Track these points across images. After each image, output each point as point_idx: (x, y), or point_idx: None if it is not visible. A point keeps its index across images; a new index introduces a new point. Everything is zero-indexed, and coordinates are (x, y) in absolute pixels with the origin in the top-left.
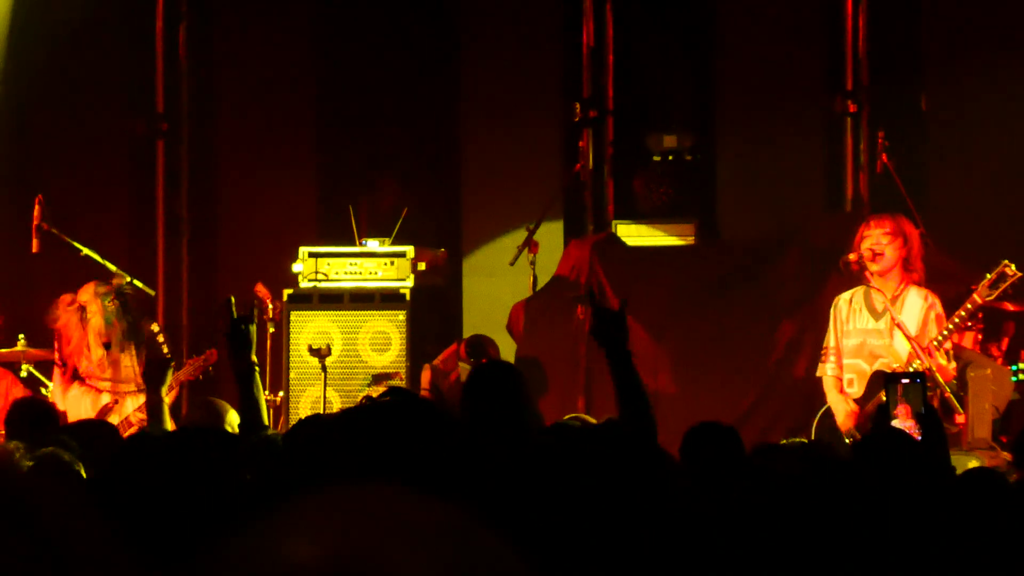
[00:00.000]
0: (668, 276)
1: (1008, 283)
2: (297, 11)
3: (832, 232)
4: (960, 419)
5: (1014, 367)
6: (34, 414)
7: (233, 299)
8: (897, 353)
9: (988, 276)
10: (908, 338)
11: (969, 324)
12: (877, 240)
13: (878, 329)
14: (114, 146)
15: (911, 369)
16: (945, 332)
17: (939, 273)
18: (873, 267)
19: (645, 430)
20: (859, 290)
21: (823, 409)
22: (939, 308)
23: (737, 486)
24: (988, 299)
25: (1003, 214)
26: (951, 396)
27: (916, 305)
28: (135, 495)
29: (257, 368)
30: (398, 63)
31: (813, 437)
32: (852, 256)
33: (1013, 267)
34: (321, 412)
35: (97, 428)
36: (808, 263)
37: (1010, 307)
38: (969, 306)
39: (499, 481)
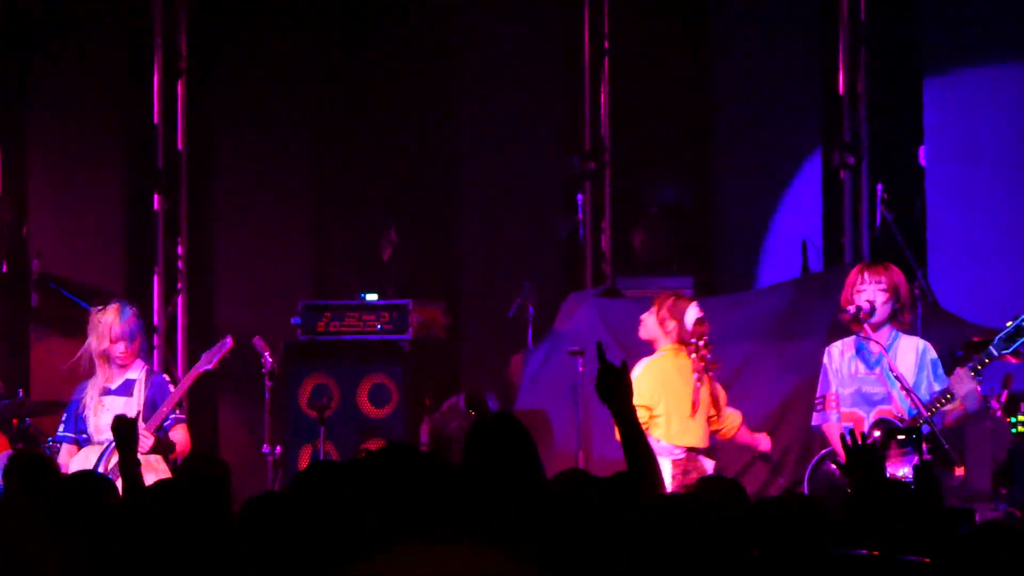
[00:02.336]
0: None
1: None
2: (296, 67)
3: (831, 285)
4: (959, 471)
5: (1013, 419)
6: (31, 467)
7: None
8: (897, 402)
9: (1006, 327)
10: (907, 390)
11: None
12: (874, 295)
13: (873, 377)
14: (111, 199)
15: (910, 423)
16: (949, 396)
17: (944, 324)
18: (869, 319)
19: (651, 484)
20: (850, 340)
21: (816, 458)
22: (932, 353)
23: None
24: (1004, 352)
25: (1005, 267)
26: (950, 449)
27: (910, 353)
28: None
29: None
30: (397, 118)
31: (806, 489)
32: (850, 308)
33: None
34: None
35: (95, 481)
36: (808, 316)
37: (1011, 359)
38: (987, 360)
39: (508, 531)
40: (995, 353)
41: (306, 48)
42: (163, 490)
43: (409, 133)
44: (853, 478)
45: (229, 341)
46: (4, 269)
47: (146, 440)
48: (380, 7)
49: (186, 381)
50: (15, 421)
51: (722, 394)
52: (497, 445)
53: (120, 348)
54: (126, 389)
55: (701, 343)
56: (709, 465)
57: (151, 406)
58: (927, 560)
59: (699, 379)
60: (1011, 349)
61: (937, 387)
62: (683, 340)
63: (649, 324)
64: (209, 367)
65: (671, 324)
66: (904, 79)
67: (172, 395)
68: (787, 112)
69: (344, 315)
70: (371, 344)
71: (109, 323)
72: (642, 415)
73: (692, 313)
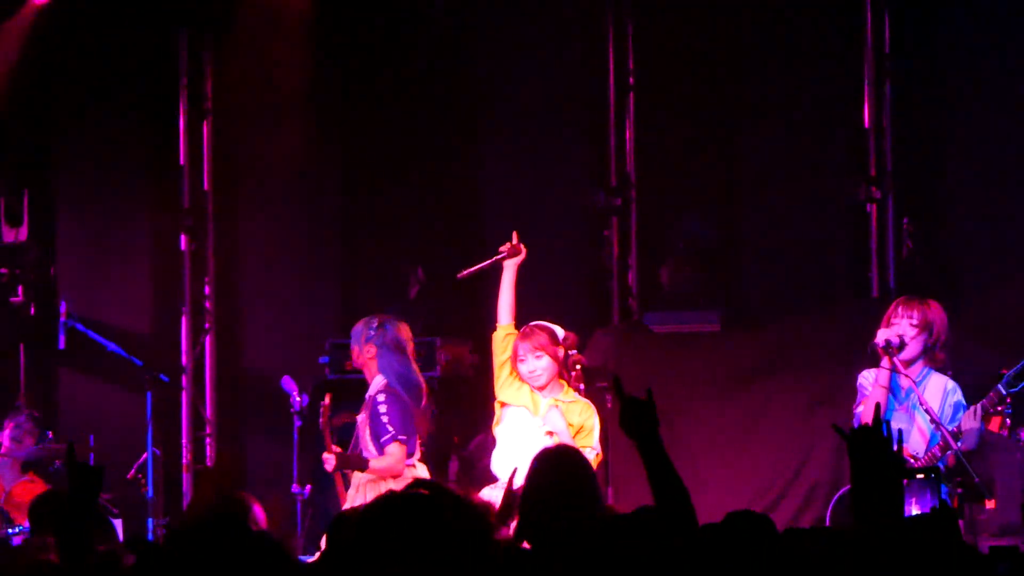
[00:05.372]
0: (695, 363)
1: None
2: (322, 108)
3: (859, 318)
4: (990, 504)
5: None
6: (59, 507)
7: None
8: (918, 438)
9: (1015, 368)
10: (935, 421)
11: (997, 408)
12: (903, 329)
13: (900, 413)
14: (138, 240)
15: (937, 453)
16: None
17: (965, 359)
18: (899, 353)
19: (684, 517)
20: (884, 372)
21: (842, 492)
22: (960, 395)
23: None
24: (1012, 391)
25: None
26: (981, 481)
27: (938, 392)
28: None
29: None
30: (424, 159)
31: (828, 520)
32: (879, 341)
33: None
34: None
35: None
36: (835, 350)
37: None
38: (995, 398)
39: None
40: (1003, 392)
41: (332, 90)
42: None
43: (436, 173)
44: (853, 460)
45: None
46: (32, 311)
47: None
48: (407, 49)
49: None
50: (47, 463)
51: None
52: (562, 475)
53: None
54: (365, 404)
55: (575, 353)
56: None
57: (371, 426)
58: None
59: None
60: (1018, 389)
61: (950, 428)
62: (565, 365)
63: (545, 367)
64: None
65: (560, 351)
66: (929, 111)
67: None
68: (812, 146)
69: None
70: None
71: None
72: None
73: (560, 330)
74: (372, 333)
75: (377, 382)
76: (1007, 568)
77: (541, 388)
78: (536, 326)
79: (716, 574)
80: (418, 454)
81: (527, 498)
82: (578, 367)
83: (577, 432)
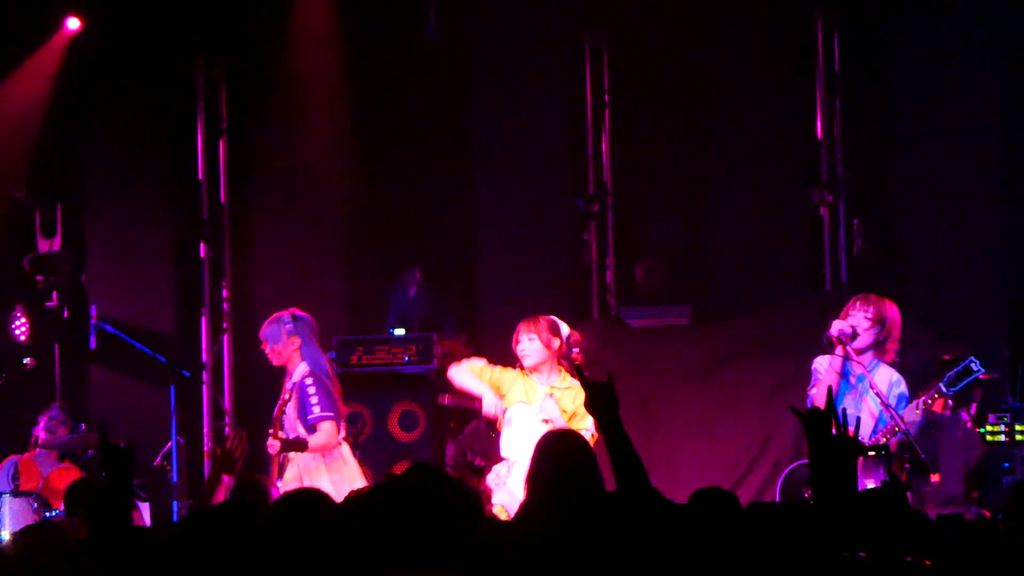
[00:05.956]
0: (668, 354)
1: (971, 378)
2: (326, 124)
3: (815, 310)
4: (935, 478)
5: (982, 429)
6: (91, 492)
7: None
8: (868, 420)
9: (955, 369)
10: (884, 404)
11: (935, 398)
12: (858, 321)
13: (850, 398)
14: (161, 248)
15: (881, 440)
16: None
17: (909, 343)
18: (851, 342)
19: (637, 485)
20: (837, 359)
21: (791, 467)
22: (904, 387)
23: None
24: (951, 389)
25: (969, 288)
26: (926, 457)
27: (884, 382)
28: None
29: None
30: (421, 169)
31: (778, 496)
32: (833, 331)
33: (976, 364)
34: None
35: None
36: (794, 340)
37: (980, 376)
38: (936, 395)
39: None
40: (944, 391)
41: (335, 107)
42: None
43: (431, 183)
44: (809, 439)
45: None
46: (65, 314)
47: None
48: (408, 72)
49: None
50: (78, 452)
51: None
52: (565, 457)
53: (266, 350)
54: (290, 388)
55: (577, 351)
56: None
57: (299, 407)
58: (928, 563)
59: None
60: (958, 388)
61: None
62: (562, 354)
63: (535, 350)
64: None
65: (556, 342)
66: (876, 123)
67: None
68: (771, 155)
69: (375, 349)
70: (400, 374)
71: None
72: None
73: (565, 327)
74: (292, 327)
75: (301, 370)
76: (953, 533)
77: (531, 370)
78: (541, 316)
79: (689, 545)
80: (343, 434)
81: (532, 479)
82: (569, 360)
83: (571, 417)
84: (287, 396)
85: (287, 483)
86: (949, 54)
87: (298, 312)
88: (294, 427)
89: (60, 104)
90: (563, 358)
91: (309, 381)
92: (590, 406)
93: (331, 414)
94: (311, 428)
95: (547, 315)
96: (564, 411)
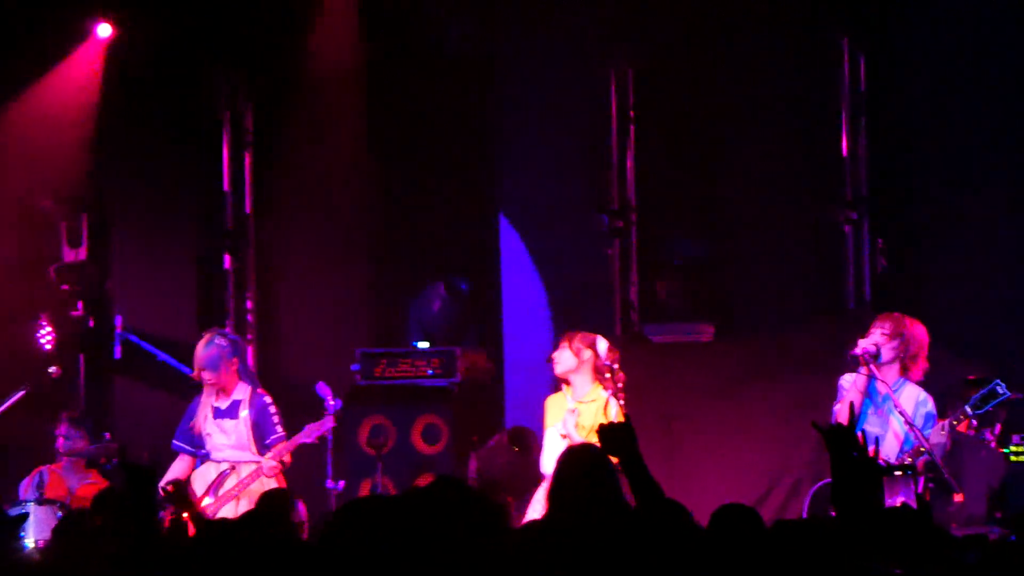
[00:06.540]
0: (690, 370)
1: (997, 401)
2: (350, 136)
3: (837, 329)
4: (958, 497)
5: (1006, 450)
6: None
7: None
8: (892, 440)
9: (981, 392)
10: (908, 424)
11: (960, 419)
12: (876, 338)
13: (875, 418)
14: (186, 259)
15: (907, 460)
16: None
17: (932, 362)
18: (875, 361)
19: (662, 515)
20: (863, 378)
21: (820, 484)
22: (931, 406)
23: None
24: (977, 412)
25: (993, 308)
26: (950, 477)
27: (911, 401)
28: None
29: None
30: (445, 185)
31: (806, 513)
32: (858, 350)
33: (1003, 387)
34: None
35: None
36: (816, 358)
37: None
38: (962, 416)
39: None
40: (969, 412)
41: (359, 119)
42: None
43: (456, 199)
44: (831, 454)
45: (330, 421)
46: (91, 324)
47: (271, 464)
48: (435, 88)
49: (289, 447)
50: (103, 460)
51: None
52: (588, 473)
53: (205, 376)
54: (232, 412)
55: (616, 367)
56: None
57: (256, 427)
58: None
59: (618, 397)
60: (983, 411)
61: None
62: (597, 368)
63: (565, 358)
64: (308, 441)
65: (587, 353)
66: (900, 142)
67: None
68: (795, 173)
69: (398, 361)
70: (423, 387)
71: (196, 353)
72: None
73: (603, 342)
74: (229, 347)
75: (243, 389)
76: (976, 555)
77: (563, 381)
78: (580, 331)
79: (711, 561)
80: None
81: (551, 494)
82: (611, 378)
83: (590, 431)
84: (243, 413)
85: (253, 497)
86: (973, 75)
87: (225, 331)
88: (247, 445)
89: (87, 114)
90: (601, 375)
91: (269, 400)
92: (607, 447)
93: (285, 434)
94: (267, 448)
95: (585, 332)
96: (582, 426)
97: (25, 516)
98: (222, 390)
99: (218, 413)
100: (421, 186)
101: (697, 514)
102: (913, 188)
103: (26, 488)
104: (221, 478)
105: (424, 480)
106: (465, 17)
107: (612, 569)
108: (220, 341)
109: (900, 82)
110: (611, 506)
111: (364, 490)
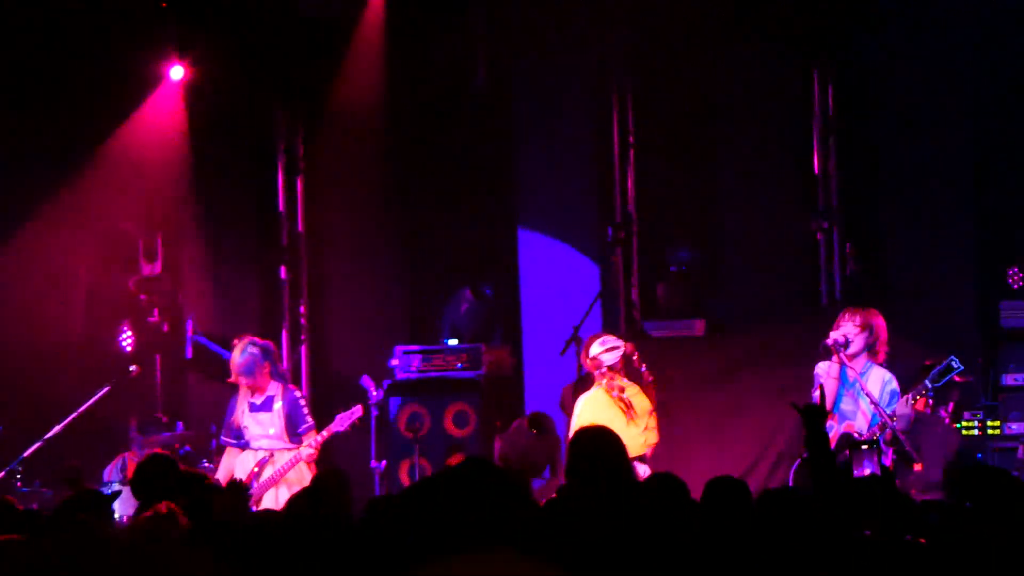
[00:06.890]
0: (686, 362)
1: (953, 373)
2: (392, 164)
3: (812, 323)
4: (918, 467)
5: (959, 425)
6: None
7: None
8: (862, 419)
9: (938, 367)
10: (874, 404)
11: (923, 393)
12: (848, 330)
13: (847, 397)
14: (247, 271)
15: (877, 434)
16: (894, 418)
17: (894, 351)
18: (845, 350)
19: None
20: (836, 365)
21: (798, 460)
22: (895, 384)
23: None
24: (936, 385)
25: (946, 301)
26: (911, 449)
27: (877, 381)
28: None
29: None
30: (471, 201)
31: (791, 483)
32: (829, 341)
33: (956, 362)
34: (415, 478)
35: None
36: (794, 350)
37: (956, 378)
38: (923, 391)
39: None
40: (929, 387)
41: (394, 148)
42: (304, 496)
43: (480, 215)
44: (807, 432)
45: (359, 410)
46: (166, 328)
47: (309, 451)
48: (454, 112)
49: (324, 435)
50: (176, 445)
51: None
52: (597, 453)
53: (242, 380)
54: (267, 405)
55: (635, 357)
56: (643, 470)
57: (288, 419)
58: (922, 541)
59: (616, 395)
60: (941, 383)
61: (888, 411)
62: (612, 368)
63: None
64: (341, 430)
65: (587, 359)
66: (866, 160)
67: (313, 453)
68: (774, 188)
69: (432, 357)
70: (453, 379)
71: (232, 360)
72: None
73: (611, 342)
74: (260, 353)
75: (275, 386)
76: (936, 517)
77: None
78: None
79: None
80: None
81: (568, 470)
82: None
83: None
84: (276, 407)
85: (291, 483)
86: (931, 100)
87: (251, 337)
88: (281, 435)
89: (165, 148)
90: (614, 370)
91: (298, 393)
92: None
93: (315, 423)
94: (299, 436)
95: (601, 334)
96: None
97: (119, 493)
98: (257, 389)
99: (253, 407)
100: (449, 204)
101: (692, 484)
102: (877, 200)
103: (110, 472)
104: (260, 466)
105: (455, 459)
106: (486, 55)
107: (620, 534)
108: (252, 349)
109: (865, 107)
110: (617, 479)
111: (403, 469)
